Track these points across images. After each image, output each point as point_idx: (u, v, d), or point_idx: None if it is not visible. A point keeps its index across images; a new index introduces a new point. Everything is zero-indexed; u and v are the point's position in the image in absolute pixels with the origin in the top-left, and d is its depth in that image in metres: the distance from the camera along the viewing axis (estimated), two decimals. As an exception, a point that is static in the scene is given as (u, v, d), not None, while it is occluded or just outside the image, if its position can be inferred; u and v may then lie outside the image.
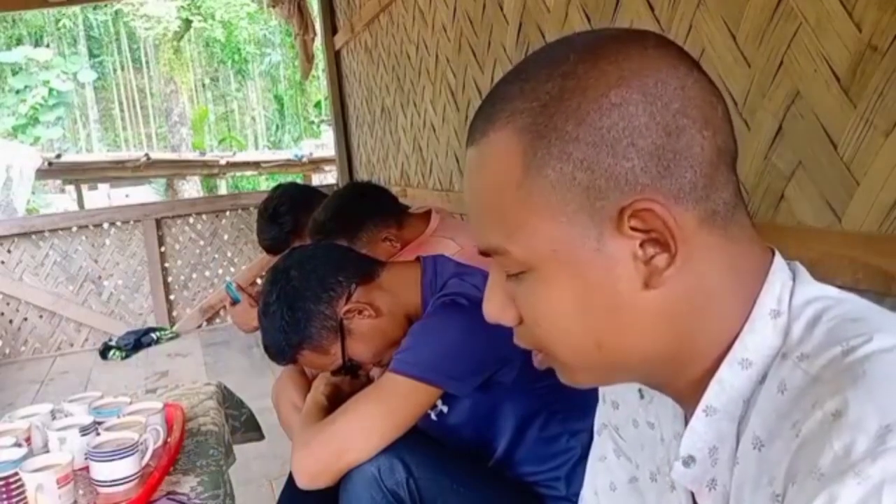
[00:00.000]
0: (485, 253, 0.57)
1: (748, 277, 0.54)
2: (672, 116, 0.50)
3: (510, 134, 0.53)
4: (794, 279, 0.55)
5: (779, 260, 0.56)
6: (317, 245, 1.64)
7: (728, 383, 0.54)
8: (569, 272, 0.53)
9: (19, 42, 15.74)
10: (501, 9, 2.25)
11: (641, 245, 0.51)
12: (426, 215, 2.00)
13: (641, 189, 0.50)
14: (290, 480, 1.54)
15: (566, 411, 1.25)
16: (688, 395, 0.57)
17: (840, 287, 1.21)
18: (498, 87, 0.56)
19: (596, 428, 0.77)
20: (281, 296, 1.30)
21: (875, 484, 0.40)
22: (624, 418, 0.72)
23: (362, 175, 4.60)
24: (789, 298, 0.53)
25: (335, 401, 1.32)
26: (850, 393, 0.44)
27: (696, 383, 0.55)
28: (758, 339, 0.53)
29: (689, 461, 0.57)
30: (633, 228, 0.51)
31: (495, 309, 0.59)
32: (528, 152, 0.52)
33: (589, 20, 1.75)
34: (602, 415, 0.76)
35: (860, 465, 0.41)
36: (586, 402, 0.77)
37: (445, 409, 1.33)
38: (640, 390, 0.68)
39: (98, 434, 1.28)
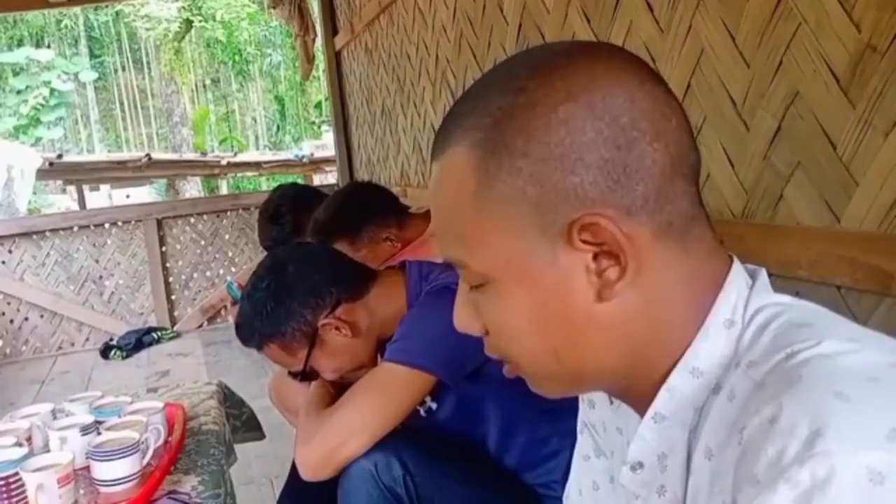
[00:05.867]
0: (449, 265, 0.58)
1: (704, 289, 0.54)
2: (621, 130, 0.51)
3: (465, 149, 0.54)
4: (751, 287, 0.55)
5: (736, 269, 0.56)
6: (320, 247, 1.64)
7: (678, 391, 0.54)
8: (524, 285, 0.54)
9: (20, 43, 15.76)
10: (501, 9, 2.25)
11: (595, 258, 0.52)
12: (426, 215, 2.01)
13: (591, 203, 0.51)
14: (291, 478, 1.54)
15: (553, 412, 1.25)
16: (644, 403, 0.57)
17: (839, 287, 1.20)
18: (457, 102, 0.57)
19: (578, 427, 0.77)
20: (271, 286, 1.32)
21: (805, 490, 0.40)
22: (598, 418, 0.72)
23: (362, 175, 4.60)
24: (744, 308, 0.53)
25: (339, 388, 1.33)
26: (786, 398, 0.44)
27: (650, 391, 0.56)
28: (710, 349, 0.53)
29: (636, 466, 0.57)
30: (584, 241, 0.51)
31: (463, 319, 0.60)
32: (481, 167, 0.53)
33: (588, 21, 1.75)
34: (582, 413, 0.76)
35: (790, 471, 0.41)
36: (573, 400, 0.77)
37: (434, 405, 1.33)
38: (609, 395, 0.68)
39: (99, 433, 1.28)
